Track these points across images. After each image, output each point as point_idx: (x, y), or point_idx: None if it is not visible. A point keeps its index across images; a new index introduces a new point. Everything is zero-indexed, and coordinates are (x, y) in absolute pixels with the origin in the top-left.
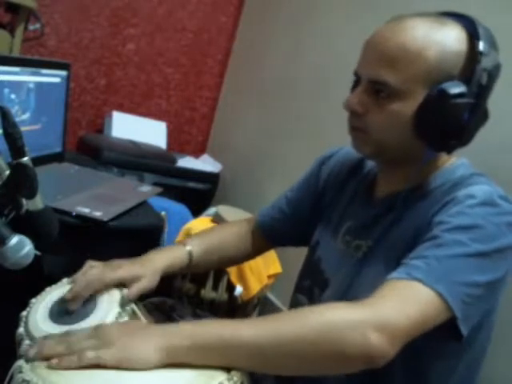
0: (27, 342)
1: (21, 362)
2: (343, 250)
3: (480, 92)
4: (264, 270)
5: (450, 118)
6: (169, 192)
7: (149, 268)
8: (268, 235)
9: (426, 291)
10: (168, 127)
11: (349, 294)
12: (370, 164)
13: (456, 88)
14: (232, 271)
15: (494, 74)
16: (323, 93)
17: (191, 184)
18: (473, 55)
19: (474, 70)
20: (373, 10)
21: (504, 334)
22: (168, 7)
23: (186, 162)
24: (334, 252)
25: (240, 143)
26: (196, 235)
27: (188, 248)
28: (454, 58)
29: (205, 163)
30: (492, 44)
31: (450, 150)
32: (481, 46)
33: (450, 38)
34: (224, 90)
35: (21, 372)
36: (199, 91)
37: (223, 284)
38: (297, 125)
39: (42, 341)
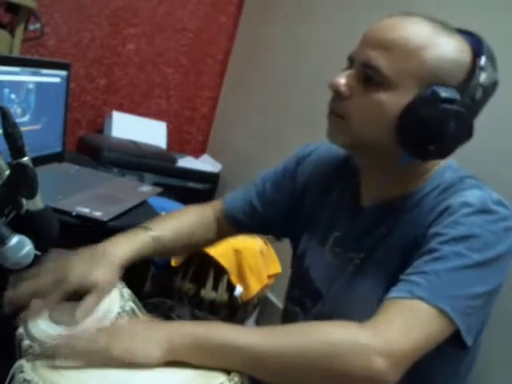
0: (27, 342)
1: (22, 362)
2: (333, 262)
3: (471, 105)
4: (264, 270)
5: (434, 121)
6: (169, 192)
7: (106, 267)
8: (235, 225)
9: (429, 310)
10: (168, 127)
11: (343, 307)
12: (354, 168)
13: (448, 93)
14: (232, 271)
15: (488, 91)
16: (323, 93)
17: (191, 184)
18: (471, 69)
19: (469, 83)
20: (373, 10)
21: (503, 334)
22: (168, 7)
23: (186, 162)
24: (324, 262)
25: (240, 143)
26: (160, 220)
27: (152, 233)
28: (452, 67)
29: (205, 163)
30: (493, 62)
31: (425, 158)
32: (482, 60)
33: (452, 47)
34: (224, 90)
35: (22, 372)
36: (199, 91)
37: (223, 284)
38: (297, 125)
39: (49, 341)
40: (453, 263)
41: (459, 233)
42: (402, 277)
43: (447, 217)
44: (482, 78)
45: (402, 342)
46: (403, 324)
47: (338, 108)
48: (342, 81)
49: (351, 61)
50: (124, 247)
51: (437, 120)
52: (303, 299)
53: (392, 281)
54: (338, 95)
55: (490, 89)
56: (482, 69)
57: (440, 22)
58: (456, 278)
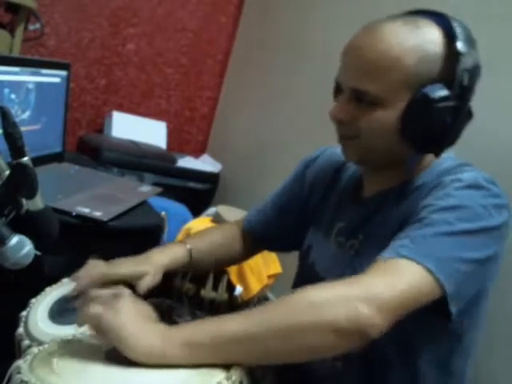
0: (27, 342)
1: (19, 363)
2: (337, 251)
3: (462, 93)
4: (264, 270)
5: (434, 121)
6: (169, 192)
7: (152, 265)
8: (258, 239)
9: (414, 267)
10: (168, 127)
11: None
12: (354, 165)
13: (438, 92)
14: (232, 271)
15: (475, 73)
16: (323, 93)
17: (191, 184)
18: (452, 56)
19: (454, 71)
20: (373, 9)
21: (501, 333)
22: (168, 7)
23: (186, 162)
24: (328, 254)
25: (240, 143)
26: (195, 235)
27: (188, 247)
28: (433, 61)
29: (205, 163)
30: (470, 42)
31: (436, 153)
32: (459, 46)
33: (427, 41)
34: (224, 89)
35: (19, 373)
36: (199, 91)
37: (223, 284)
38: (297, 125)
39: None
40: (440, 229)
41: (449, 203)
42: (391, 242)
43: (438, 190)
44: (464, 62)
45: (385, 289)
46: (386, 276)
47: (346, 132)
48: (339, 111)
49: (339, 84)
50: (161, 257)
51: (435, 119)
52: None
53: None
54: (341, 123)
55: (475, 69)
56: (461, 54)
57: (405, 18)
58: (442, 241)
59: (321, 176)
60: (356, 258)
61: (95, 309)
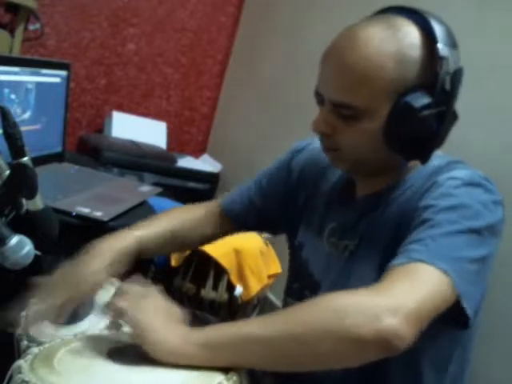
0: (26, 342)
1: (20, 363)
2: (330, 252)
3: (445, 98)
4: (264, 270)
5: (418, 130)
6: (169, 192)
7: (102, 264)
8: (234, 220)
9: (430, 270)
10: (168, 127)
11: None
12: None
13: (421, 100)
14: (232, 271)
15: (457, 75)
16: None
17: (191, 184)
18: (433, 60)
19: (436, 75)
20: (374, 9)
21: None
22: (168, 7)
23: (186, 162)
24: (321, 254)
25: (240, 143)
26: (147, 221)
27: (136, 233)
28: (414, 66)
29: (205, 163)
30: (450, 43)
31: (423, 159)
32: (440, 49)
33: (407, 46)
34: (224, 89)
35: (20, 372)
36: (199, 91)
37: (223, 284)
38: (297, 125)
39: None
40: (446, 228)
41: (449, 203)
42: (399, 249)
43: (435, 190)
44: (446, 66)
45: (409, 299)
46: (407, 284)
47: (329, 144)
48: (321, 122)
49: (320, 95)
50: (108, 248)
51: (419, 128)
52: (302, 291)
53: (385, 257)
54: (322, 135)
55: (458, 73)
56: (442, 58)
57: (383, 20)
58: (451, 241)
59: (308, 171)
60: (351, 261)
61: (122, 303)
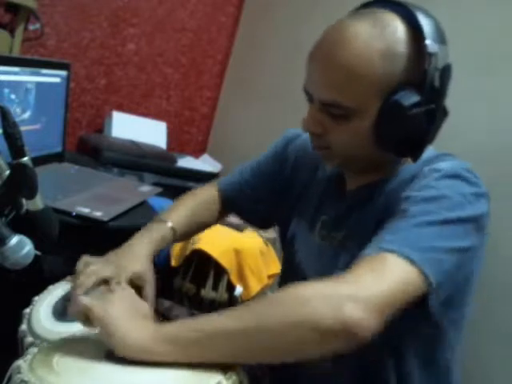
0: (30, 339)
1: (19, 363)
2: (320, 244)
3: (435, 95)
4: (264, 270)
5: (408, 129)
6: (169, 192)
7: (144, 262)
8: (230, 206)
9: (398, 261)
10: (168, 127)
11: None
12: None
13: (410, 98)
14: (232, 271)
15: (446, 72)
16: None
17: (191, 184)
18: (421, 56)
19: (424, 72)
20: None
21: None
22: (168, 7)
23: (186, 162)
24: (312, 246)
25: (240, 143)
26: (172, 209)
27: (170, 225)
28: (402, 63)
29: (205, 163)
30: (438, 38)
31: (414, 157)
32: (428, 45)
33: (395, 42)
34: (224, 89)
35: (19, 372)
36: (199, 91)
37: (223, 284)
38: (297, 125)
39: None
40: (420, 219)
41: (429, 194)
42: (372, 239)
43: (418, 182)
44: (435, 62)
45: (374, 288)
46: (373, 274)
47: (320, 143)
48: (310, 121)
49: (309, 94)
50: (146, 247)
51: (409, 126)
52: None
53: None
54: (312, 134)
55: (446, 69)
56: (431, 54)
57: (369, 15)
58: (423, 232)
59: (303, 161)
60: (339, 252)
61: (85, 301)
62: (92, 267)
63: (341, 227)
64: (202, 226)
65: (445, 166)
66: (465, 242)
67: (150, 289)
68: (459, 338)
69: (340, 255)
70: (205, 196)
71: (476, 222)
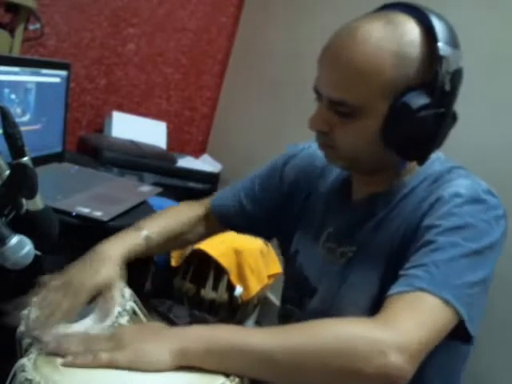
0: (28, 340)
1: (24, 361)
2: (326, 257)
3: (445, 99)
4: (264, 270)
5: (416, 131)
6: (169, 192)
7: (110, 266)
8: (222, 223)
9: (433, 300)
10: (168, 127)
11: (336, 300)
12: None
13: (419, 100)
14: (232, 271)
15: (457, 76)
16: None
17: (191, 184)
18: (433, 59)
19: (435, 75)
20: (375, 8)
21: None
22: (168, 7)
23: (186, 162)
24: (317, 259)
25: (240, 143)
26: (151, 218)
27: (144, 233)
28: (413, 65)
29: (205, 163)
30: (451, 41)
31: (421, 160)
32: (440, 48)
33: (407, 44)
34: (224, 89)
35: (24, 371)
36: (199, 91)
37: (223, 284)
38: (297, 125)
39: (63, 338)
40: (450, 253)
41: (453, 223)
42: (401, 272)
43: (439, 208)
44: (446, 66)
45: (416, 336)
46: (413, 316)
47: (325, 141)
48: (318, 119)
49: (318, 92)
50: (118, 249)
51: (417, 129)
52: (299, 297)
53: (388, 268)
54: (318, 132)
55: (458, 73)
56: (443, 57)
57: (381, 16)
58: (454, 267)
59: (302, 175)
60: (348, 267)
61: (105, 357)
62: (49, 298)
63: (350, 242)
64: (182, 241)
65: (464, 190)
66: (487, 270)
67: (116, 292)
68: (467, 357)
69: (351, 271)
70: (190, 212)
71: (495, 246)
